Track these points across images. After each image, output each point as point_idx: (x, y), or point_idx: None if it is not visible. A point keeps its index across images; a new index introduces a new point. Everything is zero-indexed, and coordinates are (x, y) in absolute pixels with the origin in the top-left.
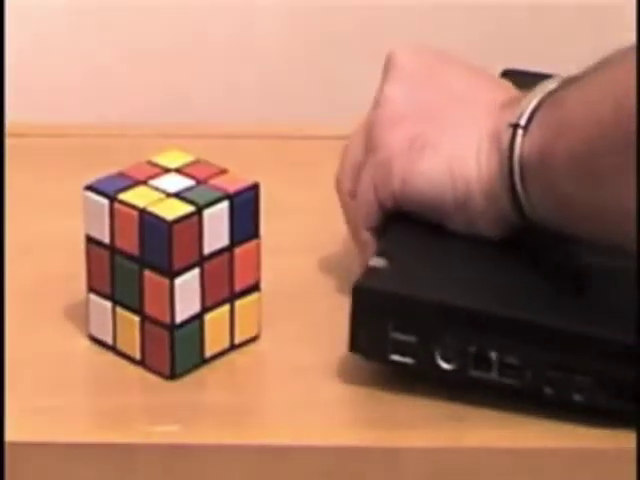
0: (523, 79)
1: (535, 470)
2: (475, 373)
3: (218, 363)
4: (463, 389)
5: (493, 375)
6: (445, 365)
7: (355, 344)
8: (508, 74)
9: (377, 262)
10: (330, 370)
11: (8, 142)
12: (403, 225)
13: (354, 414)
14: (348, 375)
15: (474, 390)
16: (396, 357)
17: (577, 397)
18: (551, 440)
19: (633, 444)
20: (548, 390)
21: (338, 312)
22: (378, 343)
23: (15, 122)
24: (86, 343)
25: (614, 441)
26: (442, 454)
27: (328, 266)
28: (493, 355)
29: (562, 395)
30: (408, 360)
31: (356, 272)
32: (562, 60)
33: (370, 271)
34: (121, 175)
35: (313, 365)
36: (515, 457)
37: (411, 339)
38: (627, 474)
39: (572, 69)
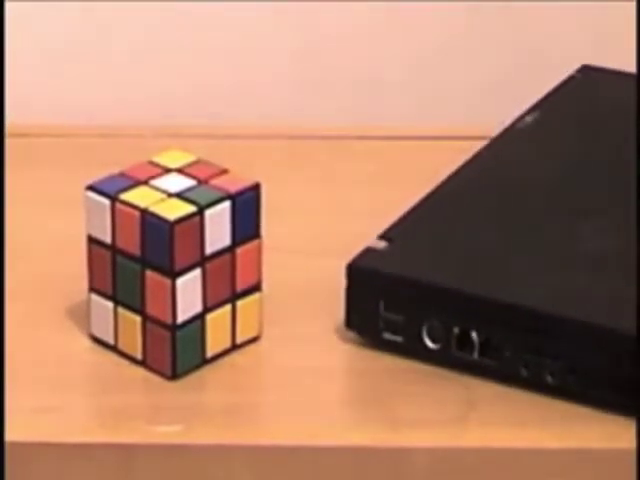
0: (602, 76)
1: (535, 470)
2: (458, 354)
3: (219, 363)
4: (447, 368)
5: (474, 356)
6: (431, 344)
7: (350, 321)
8: (585, 70)
9: (376, 244)
10: (331, 370)
11: (8, 142)
12: (413, 212)
13: (355, 414)
14: (349, 375)
15: (456, 370)
16: (387, 335)
17: (549, 380)
18: (551, 440)
19: (633, 444)
20: (523, 372)
21: (340, 312)
22: (371, 321)
23: (15, 122)
24: (87, 343)
25: (614, 441)
26: (443, 454)
27: (330, 266)
28: (474, 336)
29: (536, 377)
30: (398, 338)
31: None
32: None
33: (366, 252)
34: (122, 175)
35: (314, 365)
36: (515, 457)
37: (400, 318)
38: (627, 474)
39: None
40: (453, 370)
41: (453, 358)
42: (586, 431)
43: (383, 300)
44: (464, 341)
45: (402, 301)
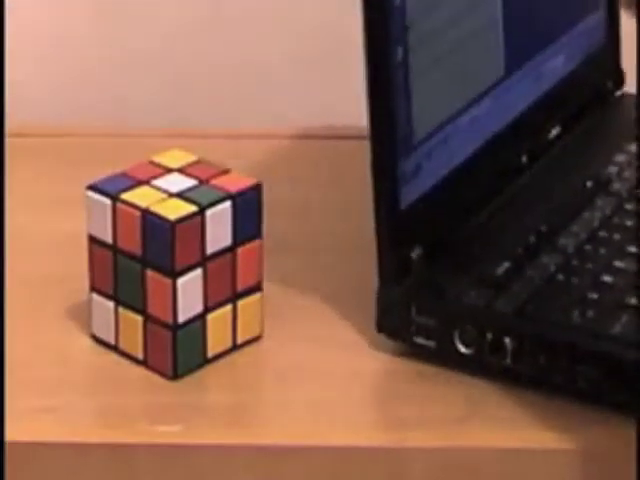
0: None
1: (535, 470)
2: (491, 358)
3: (220, 363)
4: (480, 374)
5: (508, 361)
6: (464, 349)
7: (381, 325)
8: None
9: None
10: (332, 370)
11: (8, 142)
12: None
13: (355, 414)
14: (350, 376)
15: (490, 375)
16: (419, 340)
17: (582, 385)
18: (551, 440)
19: (633, 444)
20: (557, 378)
21: (340, 312)
22: (403, 326)
23: (15, 122)
24: (88, 343)
25: (614, 441)
26: (444, 454)
27: (330, 266)
28: (508, 342)
29: (569, 383)
30: (430, 343)
31: (358, 272)
32: None
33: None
34: (124, 175)
35: (315, 365)
36: (515, 457)
37: (433, 323)
38: (627, 474)
39: None
40: (454, 370)
41: (486, 364)
42: (586, 431)
43: (415, 305)
44: (496, 347)
45: (436, 307)
